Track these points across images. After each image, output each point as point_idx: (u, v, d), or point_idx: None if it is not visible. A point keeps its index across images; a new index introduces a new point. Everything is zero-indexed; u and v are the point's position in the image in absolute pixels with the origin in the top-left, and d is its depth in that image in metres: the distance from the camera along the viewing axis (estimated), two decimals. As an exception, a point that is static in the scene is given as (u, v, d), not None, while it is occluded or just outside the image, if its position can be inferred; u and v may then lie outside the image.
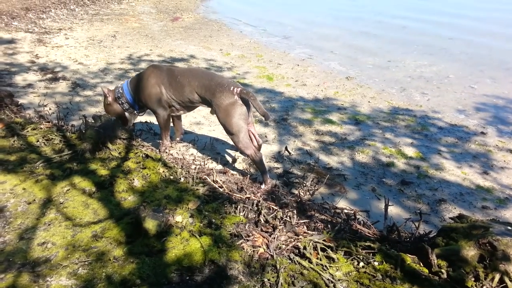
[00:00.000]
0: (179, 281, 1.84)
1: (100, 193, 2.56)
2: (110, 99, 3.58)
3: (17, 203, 2.41)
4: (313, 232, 2.29)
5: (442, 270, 1.91)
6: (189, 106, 3.51)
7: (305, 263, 1.97)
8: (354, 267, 1.99)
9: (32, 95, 5.31)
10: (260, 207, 2.48)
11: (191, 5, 13.88)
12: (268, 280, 1.85)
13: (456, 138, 4.58)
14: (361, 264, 2.01)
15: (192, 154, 3.84)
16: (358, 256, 2.05)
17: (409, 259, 2.00)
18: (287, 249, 2.09)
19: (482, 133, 4.72)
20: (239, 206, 2.44)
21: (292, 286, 1.84)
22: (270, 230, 2.26)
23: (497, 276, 1.80)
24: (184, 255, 1.98)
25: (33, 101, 5.08)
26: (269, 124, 4.71)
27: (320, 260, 2.01)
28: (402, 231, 2.50)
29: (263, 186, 3.18)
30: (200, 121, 4.79)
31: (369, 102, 5.69)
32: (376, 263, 1.99)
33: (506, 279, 1.78)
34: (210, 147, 4.03)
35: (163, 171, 2.89)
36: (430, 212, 3.22)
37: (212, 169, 3.16)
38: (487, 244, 1.87)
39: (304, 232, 2.28)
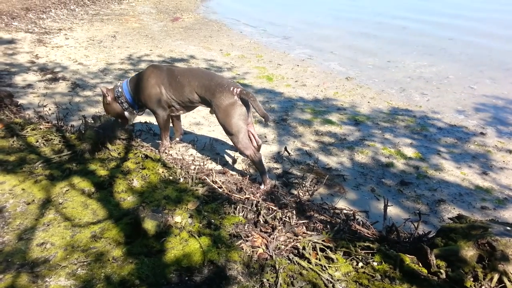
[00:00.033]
0: (178, 282, 1.84)
1: (99, 194, 2.56)
2: (109, 98, 3.58)
3: (16, 204, 2.41)
4: (312, 233, 2.29)
5: (441, 270, 1.91)
6: (189, 106, 3.51)
7: (304, 263, 1.97)
8: (353, 267, 1.99)
9: (31, 96, 5.31)
10: (259, 207, 2.48)
11: (191, 5, 13.89)
12: (267, 280, 1.85)
13: (455, 139, 4.58)
14: (360, 264, 2.01)
15: (191, 154, 3.84)
16: (357, 256, 2.05)
17: (408, 259, 2.00)
18: (286, 250, 2.09)
19: (482, 133, 4.72)
20: (238, 207, 2.44)
21: (291, 286, 1.84)
22: (269, 231, 2.26)
23: (496, 276, 1.80)
24: (183, 256, 1.98)
25: (33, 101, 5.08)
26: (269, 124, 4.71)
27: (319, 260, 2.01)
28: (401, 231, 2.51)
29: (262, 187, 3.18)
30: (199, 121, 4.79)
31: (368, 102, 5.69)
32: (375, 263, 2.00)
33: (505, 279, 1.78)
34: (210, 148, 4.03)
35: (163, 172, 2.89)
36: (429, 213, 3.22)
37: (211, 170, 3.16)
38: (486, 245, 1.87)
39: (303, 233, 2.28)
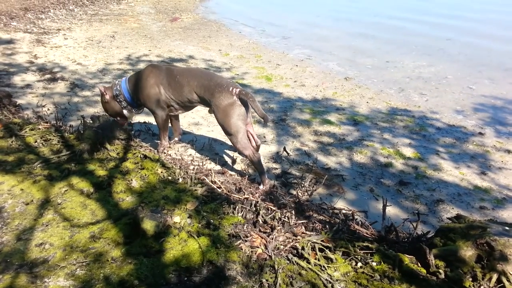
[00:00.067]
0: (177, 282, 1.84)
1: (98, 194, 2.55)
2: (107, 97, 3.57)
3: (15, 204, 2.41)
4: (311, 233, 2.29)
5: (440, 270, 1.91)
6: (188, 106, 3.51)
7: (303, 263, 1.97)
8: (352, 267, 1.99)
9: (30, 96, 5.30)
10: (258, 207, 2.48)
11: (190, 5, 13.88)
12: (266, 280, 1.85)
13: (454, 139, 4.58)
14: (359, 264, 2.01)
15: (190, 154, 3.84)
16: (356, 256, 2.05)
17: (407, 259, 2.00)
18: (285, 250, 2.09)
19: (480, 133, 4.73)
20: (237, 207, 2.44)
21: (290, 286, 1.84)
22: (268, 231, 2.26)
23: (495, 276, 1.80)
24: (182, 256, 1.98)
25: (32, 101, 5.07)
26: (268, 124, 4.71)
27: (318, 260, 2.01)
28: (400, 231, 2.51)
29: (261, 187, 3.18)
30: (198, 121, 4.79)
31: (367, 102, 5.70)
32: (374, 264, 2.00)
33: (504, 279, 1.79)
34: (209, 148, 4.03)
35: (162, 172, 2.88)
36: (428, 213, 3.22)
37: (210, 170, 3.16)
38: (484, 244, 1.88)
39: (302, 233, 2.28)
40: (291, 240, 2.17)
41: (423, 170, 3.87)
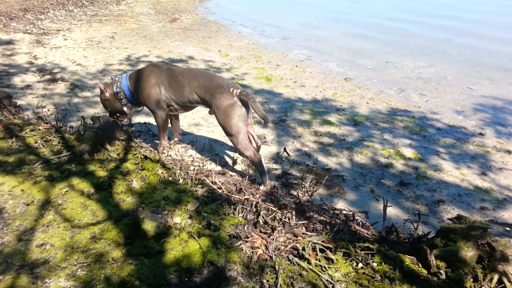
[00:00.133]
0: (178, 283, 1.83)
1: (99, 195, 2.55)
2: (107, 94, 3.57)
3: (16, 205, 2.40)
4: (312, 233, 2.29)
5: (441, 271, 1.91)
6: (188, 107, 3.51)
7: (304, 264, 1.97)
8: (353, 268, 1.99)
9: (30, 96, 5.30)
10: (259, 208, 2.48)
11: (190, 6, 13.89)
12: (267, 281, 1.85)
13: (454, 139, 4.59)
14: (360, 265, 2.01)
15: (190, 155, 3.84)
16: (357, 257, 2.05)
17: (408, 260, 2.00)
18: (286, 250, 2.09)
19: (480, 134, 4.73)
20: (238, 207, 2.44)
21: (291, 287, 1.84)
22: (269, 231, 2.26)
23: (496, 277, 1.80)
24: (183, 257, 1.98)
25: (32, 102, 5.07)
26: (268, 125, 4.71)
27: (319, 261, 2.01)
28: (400, 232, 2.51)
29: (262, 187, 3.18)
30: (198, 122, 4.79)
31: (367, 103, 5.70)
32: (375, 264, 2.00)
33: (505, 280, 1.79)
34: (209, 148, 4.03)
35: (162, 172, 2.88)
36: (428, 213, 3.22)
37: (211, 170, 3.16)
38: (485, 245, 1.88)
39: (303, 233, 2.28)
40: (291, 241, 2.17)
41: (423, 170, 3.87)
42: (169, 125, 3.77)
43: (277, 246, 2.12)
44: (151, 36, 9.37)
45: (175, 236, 2.11)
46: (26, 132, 3.41)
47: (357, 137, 4.56)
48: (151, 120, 4.39)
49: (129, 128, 3.82)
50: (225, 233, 2.18)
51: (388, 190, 3.53)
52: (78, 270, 1.88)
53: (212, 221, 2.28)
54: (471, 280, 1.84)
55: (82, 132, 3.30)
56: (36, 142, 3.26)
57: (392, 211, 3.19)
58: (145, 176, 2.80)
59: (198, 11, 13.12)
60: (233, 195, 2.69)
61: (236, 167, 3.73)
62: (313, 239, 2.16)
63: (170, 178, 2.81)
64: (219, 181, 2.92)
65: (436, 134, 4.70)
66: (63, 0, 12.45)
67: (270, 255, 2.02)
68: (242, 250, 2.05)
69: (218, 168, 3.60)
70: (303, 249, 2.08)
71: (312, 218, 2.53)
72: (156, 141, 3.97)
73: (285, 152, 4.05)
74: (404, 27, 10.58)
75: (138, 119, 4.73)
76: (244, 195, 2.70)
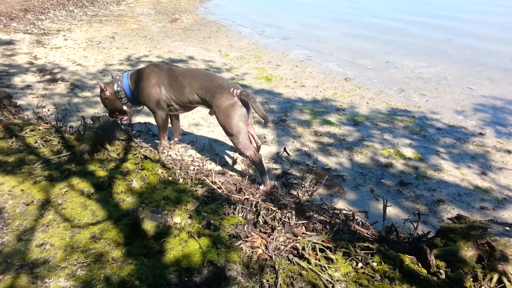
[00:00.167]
0: (178, 282, 1.83)
1: (99, 194, 2.55)
2: (107, 93, 3.57)
3: (16, 205, 2.41)
4: (312, 233, 2.29)
5: (441, 271, 1.91)
6: (188, 107, 3.51)
7: (303, 263, 1.97)
8: (352, 267, 1.99)
9: (30, 96, 5.30)
10: (258, 208, 2.48)
11: (190, 6, 13.90)
12: (267, 281, 1.85)
13: (454, 139, 4.58)
14: (360, 264, 2.01)
15: (190, 155, 3.84)
16: (357, 256, 2.05)
17: (408, 259, 2.00)
18: (286, 250, 2.09)
19: (480, 134, 4.73)
20: (237, 207, 2.44)
21: (291, 286, 1.84)
22: (268, 231, 2.26)
23: (496, 277, 1.80)
24: (183, 256, 1.98)
25: (32, 102, 5.08)
26: (268, 125, 4.71)
27: (319, 260, 2.01)
28: (400, 231, 2.51)
29: (261, 187, 3.18)
30: (198, 122, 4.79)
31: (367, 103, 5.70)
32: (374, 264, 2.00)
33: (504, 279, 1.79)
34: (209, 148, 4.03)
35: (162, 172, 2.88)
36: (428, 213, 3.22)
37: (210, 170, 3.16)
38: (485, 245, 1.88)
39: (303, 233, 2.28)
40: (291, 241, 2.17)
41: (423, 170, 3.87)
42: (169, 125, 3.77)
43: (277, 245, 2.12)
44: (151, 36, 9.37)
45: (175, 236, 2.11)
46: (26, 132, 3.41)
47: (357, 137, 4.56)
48: (151, 120, 4.40)
49: (129, 128, 3.82)
50: (225, 233, 2.18)
51: (388, 190, 3.53)
52: (78, 270, 1.88)
53: (212, 221, 2.28)
54: (471, 279, 1.84)
55: (82, 132, 3.30)
56: (36, 142, 3.26)
57: (392, 210, 3.19)
58: (145, 176, 2.80)
59: (199, 11, 13.12)
60: (233, 195, 2.69)
61: (236, 167, 3.73)
62: (313, 239, 2.16)
63: (170, 178, 2.81)
64: (219, 181, 2.92)
65: (436, 134, 4.70)
66: (63, 0, 12.46)
67: (270, 254, 2.02)
68: (242, 249, 2.05)
69: (218, 168, 3.60)
70: (303, 248, 2.08)
71: (312, 218, 2.53)
72: (156, 141, 3.97)
73: (285, 152, 4.05)
74: (404, 27, 10.58)
75: (138, 119, 4.73)
76: (244, 195, 2.70)
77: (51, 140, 3.30)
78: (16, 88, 5.58)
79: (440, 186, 3.61)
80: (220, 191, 2.74)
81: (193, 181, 2.77)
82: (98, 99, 5.20)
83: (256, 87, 6.19)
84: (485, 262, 1.86)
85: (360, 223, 2.61)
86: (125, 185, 2.66)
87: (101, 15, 11.67)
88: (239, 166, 3.75)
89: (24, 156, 3.01)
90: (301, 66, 7.43)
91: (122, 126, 3.58)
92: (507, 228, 2.02)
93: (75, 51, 7.73)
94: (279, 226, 2.30)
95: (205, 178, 2.89)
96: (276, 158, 3.98)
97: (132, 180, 2.71)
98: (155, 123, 3.68)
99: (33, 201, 2.44)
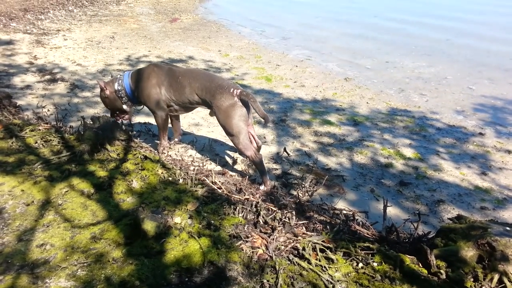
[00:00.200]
0: (178, 283, 1.83)
1: (99, 195, 2.55)
2: (107, 92, 3.57)
3: (16, 205, 2.40)
4: (312, 233, 2.29)
5: (441, 271, 1.91)
6: (188, 107, 3.51)
7: (304, 264, 1.97)
8: (353, 268, 1.99)
9: (30, 97, 5.30)
10: (259, 208, 2.48)
11: (190, 6, 13.89)
12: (268, 281, 1.85)
13: (454, 139, 4.59)
14: (360, 265, 2.01)
15: (190, 155, 3.84)
16: (357, 257, 2.05)
17: (408, 259, 2.00)
18: (286, 250, 2.09)
19: (480, 134, 4.73)
20: (238, 207, 2.44)
21: (291, 287, 1.84)
22: (269, 231, 2.26)
23: (496, 277, 1.80)
24: (183, 257, 1.98)
25: (32, 102, 5.07)
26: (268, 125, 4.71)
27: (319, 261, 2.01)
28: (401, 231, 2.51)
29: (262, 187, 3.18)
30: (198, 122, 4.79)
31: (367, 103, 5.70)
32: (375, 264, 2.00)
33: (505, 280, 1.79)
34: (209, 148, 4.03)
35: (162, 173, 2.88)
36: (428, 213, 3.22)
37: (211, 170, 3.16)
38: (485, 245, 1.88)
39: (303, 233, 2.28)
40: (292, 241, 2.17)
41: (423, 170, 3.87)
42: (170, 125, 3.77)
43: (277, 246, 2.12)
44: (151, 36, 9.37)
45: (175, 236, 2.11)
46: (26, 132, 3.41)
47: (357, 137, 4.56)
48: (151, 120, 4.39)
49: (129, 128, 3.82)
50: (225, 233, 2.18)
51: (388, 190, 3.53)
52: (79, 270, 1.88)
53: (212, 221, 2.28)
54: (472, 280, 1.84)
55: (82, 132, 3.30)
56: (36, 142, 3.26)
57: (392, 211, 3.19)
58: (145, 176, 2.80)
59: (198, 11, 13.12)
60: (233, 195, 2.69)
61: (236, 167, 3.73)
62: (313, 239, 2.16)
63: (170, 178, 2.81)
64: (219, 181, 2.92)
65: (436, 134, 4.70)
66: (63, 0, 12.45)
67: (270, 255, 2.02)
68: (242, 250, 2.05)
69: (218, 168, 3.60)
70: (303, 249, 2.08)
71: (312, 218, 2.53)
72: (156, 141, 3.97)
73: (285, 152, 4.05)
74: (404, 27, 10.58)
75: (138, 119, 4.73)
76: (244, 195, 2.70)
77: (51, 140, 3.30)
78: (16, 88, 5.58)
79: (440, 186, 3.61)
80: (220, 191, 2.74)
81: (193, 181, 2.77)
82: (98, 99, 5.20)
83: (256, 87, 6.18)
84: (486, 262, 1.86)
85: (361, 223, 2.61)
86: (125, 185, 2.66)
87: (100, 15, 11.66)
88: (239, 166, 3.75)
89: (24, 156, 3.01)
90: (301, 66, 7.43)
91: (123, 127, 3.58)
92: (508, 228, 2.02)
93: (74, 51, 7.73)
94: (279, 226, 2.30)
95: (205, 178, 2.89)
96: (276, 158, 3.98)
97: (132, 180, 2.71)
98: (155, 123, 3.68)
99: (33, 202, 2.44)
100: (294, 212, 2.50)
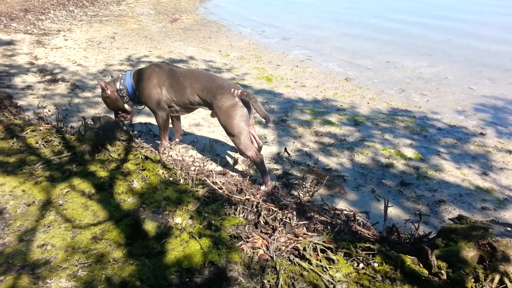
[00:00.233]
0: (179, 283, 1.83)
1: (100, 195, 2.55)
2: (108, 92, 3.57)
3: (17, 205, 2.41)
4: (313, 234, 2.29)
5: (442, 271, 1.91)
6: (189, 108, 3.51)
7: (305, 264, 1.97)
8: (354, 268, 1.99)
9: (31, 97, 5.30)
10: (259, 208, 2.48)
11: (190, 6, 13.90)
12: (268, 281, 1.85)
13: (455, 139, 4.58)
14: (361, 265, 2.00)
15: (191, 155, 3.84)
16: (358, 257, 2.05)
17: (409, 260, 2.00)
18: (287, 251, 2.09)
19: (481, 134, 4.73)
20: (238, 208, 2.44)
21: (292, 287, 1.84)
22: (269, 232, 2.26)
23: (497, 277, 1.80)
24: (184, 257, 1.98)
25: (32, 102, 5.08)
26: (269, 125, 4.71)
27: (320, 261, 2.01)
28: (401, 232, 2.51)
29: (262, 188, 3.18)
30: (199, 122, 4.79)
31: (368, 103, 5.70)
32: (376, 264, 1.99)
33: (506, 280, 1.78)
34: (210, 149, 4.03)
35: (163, 173, 2.88)
36: (429, 213, 3.22)
37: (211, 171, 3.16)
38: (486, 245, 1.87)
39: (304, 234, 2.28)
40: (292, 241, 2.17)
41: (424, 170, 3.87)
42: (170, 126, 3.77)
43: (278, 246, 2.12)
44: (151, 36, 9.37)
45: (176, 237, 2.11)
46: (27, 133, 3.41)
47: (357, 137, 4.56)
48: (152, 120, 4.40)
49: (130, 128, 3.82)
50: (226, 234, 2.17)
51: (389, 190, 3.53)
52: (79, 270, 1.88)
53: (213, 222, 2.28)
54: (472, 280, 1.84)
55: (83, 133, 3.30)
56: (37, 143, 3.26)
57: (393, 211, 3.19)
58: (146, 176, 2.80)
59: (199, 11, 13.12)
60: (234, 196, 2.69)
61: (237, 167, 3.73)
62: (314, 240, 2.16)
63: (171, 179, 2.81)
64: (220, 182, 2.92)
65: (437, 134, 4.70)
66: (63, 0, 12.46)
67: (271, 255, 2.02)
68: (243, 250, 2.05)
69: (219, 168, 3.60)
70: (304, 249, 2.08)
71: (313, 219, 2.53)
72: (157, 141, 3.97)
73: (285, 152, 4.05)
74: (404, 27, 10.58)
75: (139, 119, 4.73)
76: (245, 196, 2.70)
77: (52, 140, 3.30)
78: (17, 88, 5.58)
79: (441, 187, 3.61)
80: (221, 191, 2.74)
81: (194, 181, 2.77)
82: (99, 99, 5.21)
83: (257, 87, 6.18)
84: (487, 262, 1.85)
85: (361, 223, 2.61)
86: (126, 186, 2.66)
87: (101, 15, 11.67)
88: (240, 167, 3.75)
89: (25, 156, 3.01)
90: (301, 66, 7.43)
91: (124, 127, 3.58)
92: (509, 228, 2.02)
93: (75, 51, 7.73)
94: (280, 227, 2.30)
95: (206, 179, 2.89)
96: (277, 158, 3.98)
97: (133, 181, 2.71)
98: (156, 124, 3.68)
99: (34, 202, 2.44)
100: (295, 213, 2.50)
